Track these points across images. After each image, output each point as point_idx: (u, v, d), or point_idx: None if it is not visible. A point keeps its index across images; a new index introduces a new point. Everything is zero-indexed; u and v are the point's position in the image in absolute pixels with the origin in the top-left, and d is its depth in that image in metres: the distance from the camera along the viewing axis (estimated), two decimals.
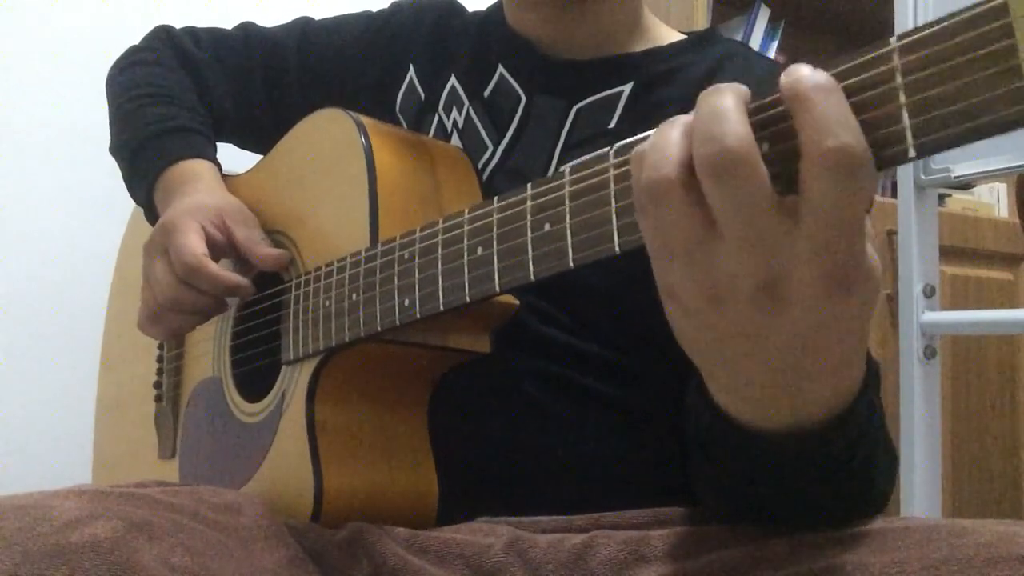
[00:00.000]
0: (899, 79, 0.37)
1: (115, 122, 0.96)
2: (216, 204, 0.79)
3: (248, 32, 0.99)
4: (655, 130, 0.42)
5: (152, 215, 0.88)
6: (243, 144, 1.01)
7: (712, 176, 0.38)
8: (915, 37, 0.36)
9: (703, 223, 0.40)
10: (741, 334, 0.42)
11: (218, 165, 0.90)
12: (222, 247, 0.78)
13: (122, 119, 0.94)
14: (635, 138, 0.46)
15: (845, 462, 0.51)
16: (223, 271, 0.75)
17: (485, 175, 0.80)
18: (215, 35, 1.01)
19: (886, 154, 0.37)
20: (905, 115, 0.36)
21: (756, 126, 0.40)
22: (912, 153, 0.36)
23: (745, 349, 0.43)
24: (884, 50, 0.37)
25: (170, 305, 0.76)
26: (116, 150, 0.95)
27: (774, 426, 0.47)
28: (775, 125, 0.40)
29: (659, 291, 0.44)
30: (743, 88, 0.41)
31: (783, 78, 0.39)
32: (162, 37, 1.01)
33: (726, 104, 0.39)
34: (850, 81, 0.38)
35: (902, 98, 0.37)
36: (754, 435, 0.49)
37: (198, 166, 0.87)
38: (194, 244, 0.74)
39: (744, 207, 0.38)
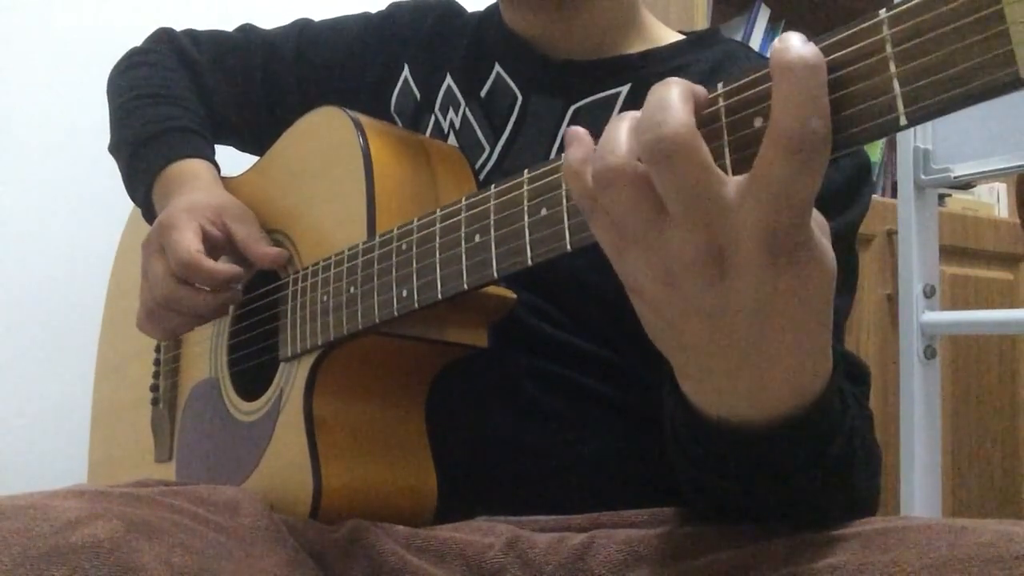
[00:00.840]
0: (889, 49, 0.37)
1: (114, 122, 0.97)
2: (214, 202, 0.79)
3: (248, 34, 1.00)
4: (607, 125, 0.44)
5: (150, 214, 0.88)
6: (243, 146, 1.01)
7: (654, 162, 0.40)
8: (904, 7, 0.37)
9: (653, 207, 0.41)
10: (698, 313, 0.43)
11: (216, 165, 0.90)
12: (220, 245, 0.78)
13: (121, 119, 0.95)
14: None
15: (815, 459, 0.51)
16: (219, 264, 0.75)
17: (482, 176, 0.80)
18: (215, 37, 1.01)
19: (878, 124, 0.38)
20: (896, 84, 0.37)
21: (752, 100, 0.41)
22: (904, 121, 0.37)
23: (704, 331, 0.44)
24: (874, 20, 0.38)
25: (168, 303, 0.76)
26: (115, 149, 0.95)
27: (740, 418, 0.48)
28: (767, 100, 0.40)
29: (625, 288, 0.45)
30: (695, 86, 0.42)
31: (775, 42, 0.39)
32: (163, 39, 1.01)
33: (670, 94, 0.41)
34: (841, 53, 0.39)
35: (893, 67, 0.37)
36: (722, 429, 0.49)
37: (196, 166, 0.87)
38: (190, 241, 0.74)
39: (687, 189, 0.40)
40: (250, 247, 0.77)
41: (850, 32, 0.39)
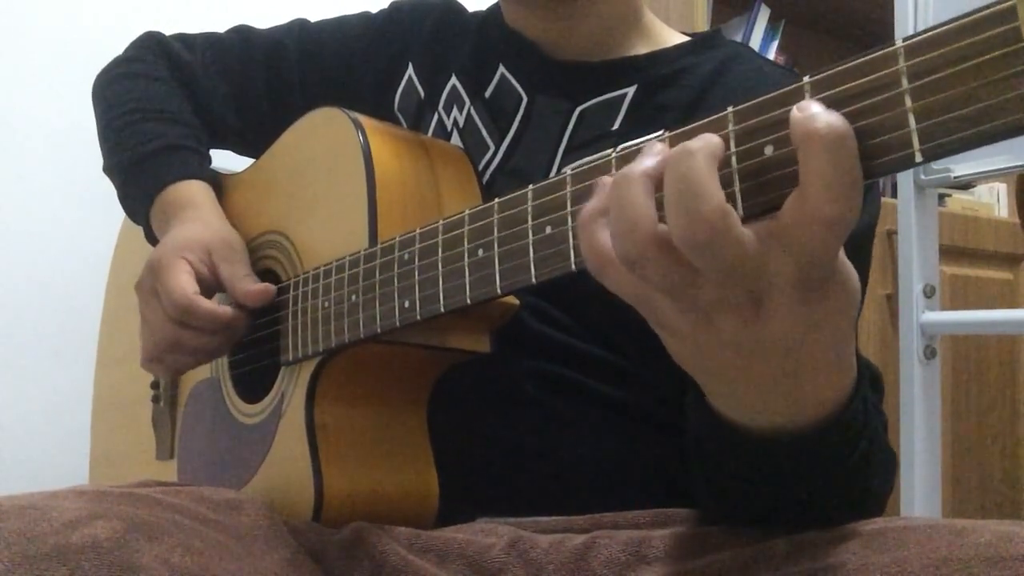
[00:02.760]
0: (905, 82, 0.36)
1: (104, 141, 0.93)
2: (204, 239, 0.78)
3: (245, 34, 0.98)
4: (613, 187, 0.42)
5: (151, 238, 0.86)
6: (242, 149, 0.99)
7: (691, 248, 0.39)
8: (921, 39, 0.36)
9: (686, 270, 0.41)
10: (733, 349, 0.43)
11: (211, 179, 0.88)
12: (211, 284, 0.77)
13: (111, 139, 0.92)
14: (639, 140, 0.46)
15: (839, 461, 0.51)
16: (216, 306, 0.74)
17: (486, 176, 0.80)
18: (211, 40, 0.99)
19: (892, 159, 0.37)
20: (912, 119, 0.36)
21: (762, 127, 0.40)
22: (919, 158, 0.36)
23: (739, 362, 0.44)
24: (889, 50, 0.37)
25: (170, 347, 0.76)
26: (108, 171, 0.92)
27: (769, 426, 0.49)
28: (780, 130, 0.39)
29: (649, 323, 0.45)
30: (714, 142, 0.40)
31: (795, 111, 0.38)
32: (150, 46, 0.98)
33: (697, 166, 0.39)
34: (855, 83, 0.38)
35: (908, 102, 0.36)
36: (750, 435, 0.50)
37: (191, 189, 0.85)
38: (183, 284, 0.74)
39: (724, 263, 0.39)
40: (235, 287, 0.76)
41: (864, 61, 0.37)
